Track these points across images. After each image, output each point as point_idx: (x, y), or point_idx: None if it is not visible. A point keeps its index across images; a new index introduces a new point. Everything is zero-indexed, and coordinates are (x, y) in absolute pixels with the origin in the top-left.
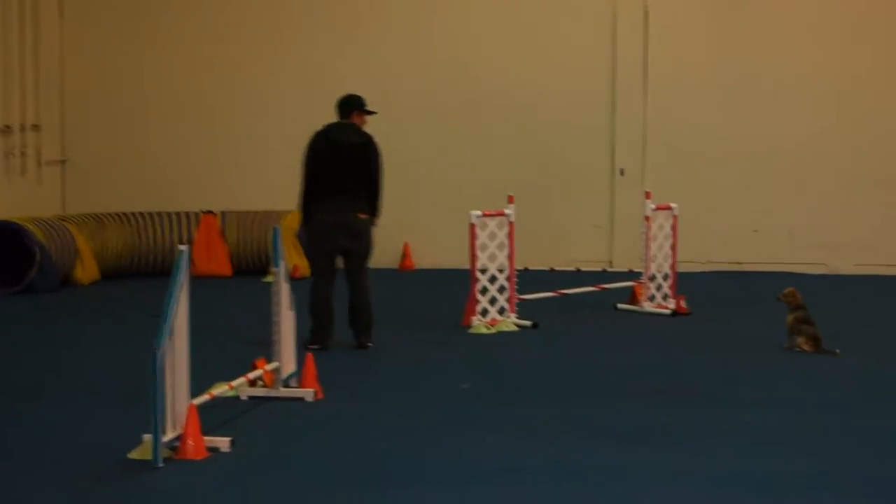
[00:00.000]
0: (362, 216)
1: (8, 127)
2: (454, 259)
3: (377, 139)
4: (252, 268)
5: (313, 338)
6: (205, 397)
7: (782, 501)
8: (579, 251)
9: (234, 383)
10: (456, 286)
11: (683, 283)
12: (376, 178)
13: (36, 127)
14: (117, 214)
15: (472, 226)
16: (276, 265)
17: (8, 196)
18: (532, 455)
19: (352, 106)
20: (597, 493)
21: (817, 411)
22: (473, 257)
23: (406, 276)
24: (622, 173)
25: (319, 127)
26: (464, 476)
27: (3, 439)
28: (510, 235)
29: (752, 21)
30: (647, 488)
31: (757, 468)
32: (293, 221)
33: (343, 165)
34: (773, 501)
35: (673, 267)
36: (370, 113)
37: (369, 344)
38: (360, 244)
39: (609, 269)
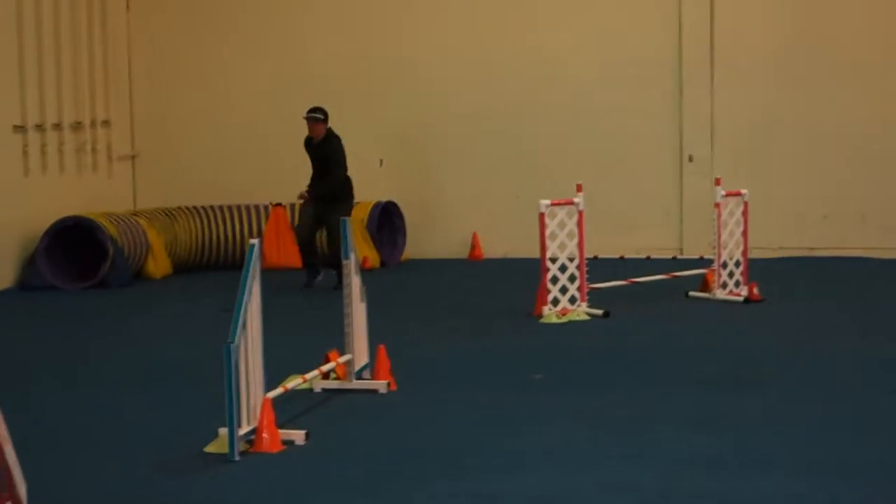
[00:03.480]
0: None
1: (79, 123)
2: (523, 248)
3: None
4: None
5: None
6: (279, 390)
7: (854, 486)
8: (649, 239)
9: (308, 376)
10: (525, 276)
11: (755, 269)
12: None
13: (106, 123)
14: (187, 208)
15: (542, 215)
16: (346, 257)
17: (80, 191)
18: (603, 444)
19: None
20: (668, 481)
21: (881, 399)
22: (543, 246)
23: (475, 266)
24: (690, 159)
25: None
26: (538, 466)
27: (80, 430)
28: (580, 224)
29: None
30: (717, 475)
31: (823, 455)
32: (362, 212)
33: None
34: (844, 487)
35: (745, 253)
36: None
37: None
38: None
39: (680, 257)
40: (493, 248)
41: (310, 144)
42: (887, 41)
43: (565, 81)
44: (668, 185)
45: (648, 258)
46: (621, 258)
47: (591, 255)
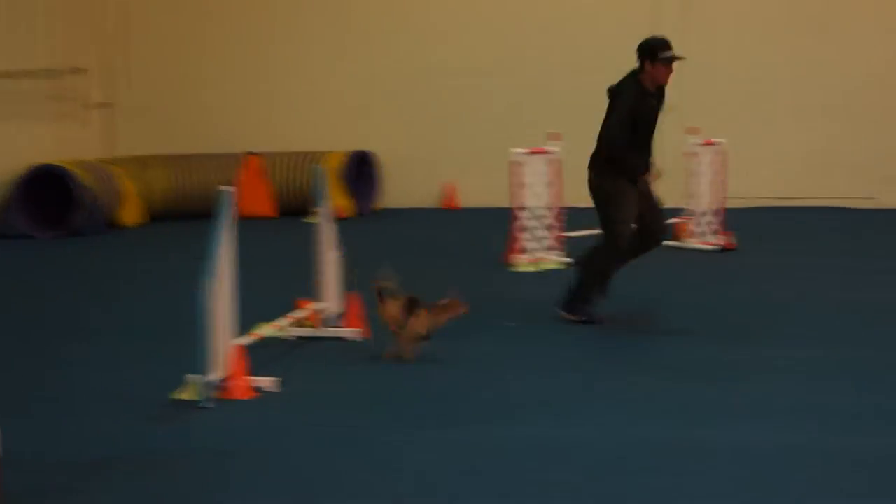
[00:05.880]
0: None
1: (53, 70)
2: (502, 198)
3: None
4: (297, 209)
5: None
6: (250, 337)
7: (844, 434)
8: None
9: (280, 323)
10: (502, 225)
11: (732, 219)
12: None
13: (80, 70)
14: (162, 156)
15: (514, 164)
16: (319, 205)
17: (53, 140)
18: (585, 392)
19: (640, 53)
20: (646, 428)
21: (860, 347)
22: (515, 195)
23: (452, 215)
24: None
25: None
26: (509, 413)
27: (51, 379)
28: (553, 173)
29: None
30: (694, 423)
31: (814, 402)
32: (336, 161)
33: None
34: (834, 432)
35: (720, 203)
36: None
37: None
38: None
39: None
40: (472, 198)
41: (649, 98)
42: None
43: (547, 33)
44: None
45: None
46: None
47: (567, 205)
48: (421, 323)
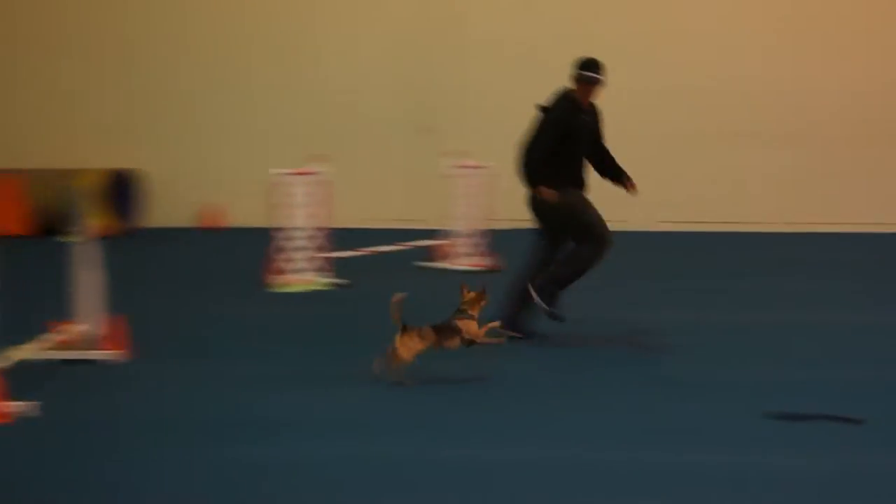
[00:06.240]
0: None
1: None
2: (267, 218)
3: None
4: (56, 228)
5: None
6: (6, 361)
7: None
8: (391, 210)
9: (37, 346)
10: (266, 245)
11: (499, 240)
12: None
13: None
14: None
15: (274, 184)
16: (76, 224)
17: None
18: (349, 409)
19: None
20: (391, 444)
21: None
22: (275, 216)
23: (216, 236)
24: (426, 131)
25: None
26: (281, 432)
27: None
28: (321, 194)
29: None
30: (463, 440)
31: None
32: (96, 179)
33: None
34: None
35: (481, 225)
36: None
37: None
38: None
39: (423, 227)
40: (242, 217)
41: (581, 116)
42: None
43: (317, 52)
44: (412, 157)
45: (385, 228)
46: (361, 228)
47: (331, 225)
48: (470, 325)
